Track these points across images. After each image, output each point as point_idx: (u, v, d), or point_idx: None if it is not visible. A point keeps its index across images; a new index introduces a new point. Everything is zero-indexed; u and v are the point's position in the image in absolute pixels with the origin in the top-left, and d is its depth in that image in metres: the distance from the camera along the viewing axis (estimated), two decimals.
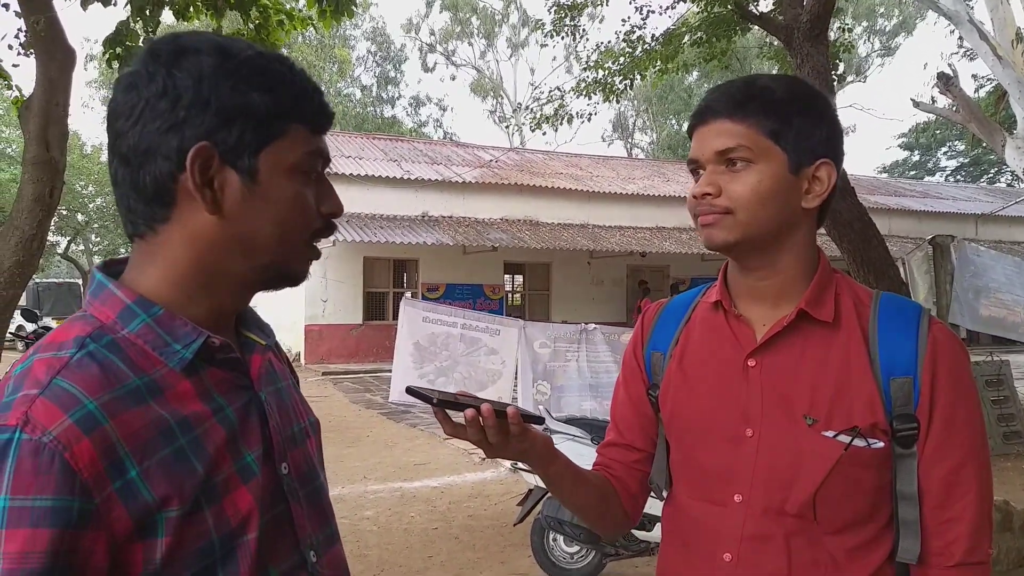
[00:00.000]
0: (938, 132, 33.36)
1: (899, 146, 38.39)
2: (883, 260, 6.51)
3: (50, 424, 0.68)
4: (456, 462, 7.62)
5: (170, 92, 0.77)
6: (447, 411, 1.01)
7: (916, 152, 38.44)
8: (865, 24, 33.47)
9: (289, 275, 0.88)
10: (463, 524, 5.53)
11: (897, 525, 1.07)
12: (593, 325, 7.96)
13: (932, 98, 13.39)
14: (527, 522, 4.55)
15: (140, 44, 4.67)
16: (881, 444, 1.04)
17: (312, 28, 6.67)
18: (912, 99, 14.12)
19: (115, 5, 4.55)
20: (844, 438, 1.03)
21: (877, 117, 72.79)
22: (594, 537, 4.12)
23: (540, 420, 1.07)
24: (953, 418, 1.04)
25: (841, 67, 9.27)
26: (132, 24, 4.56)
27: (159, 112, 0.77)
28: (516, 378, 7.73)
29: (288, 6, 6.71)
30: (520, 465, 4.74)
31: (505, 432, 1.02)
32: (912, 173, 37.21)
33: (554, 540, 4.39)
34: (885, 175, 35.79)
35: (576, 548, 4.34)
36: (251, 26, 6.23)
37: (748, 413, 1.09)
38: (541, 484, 4.53)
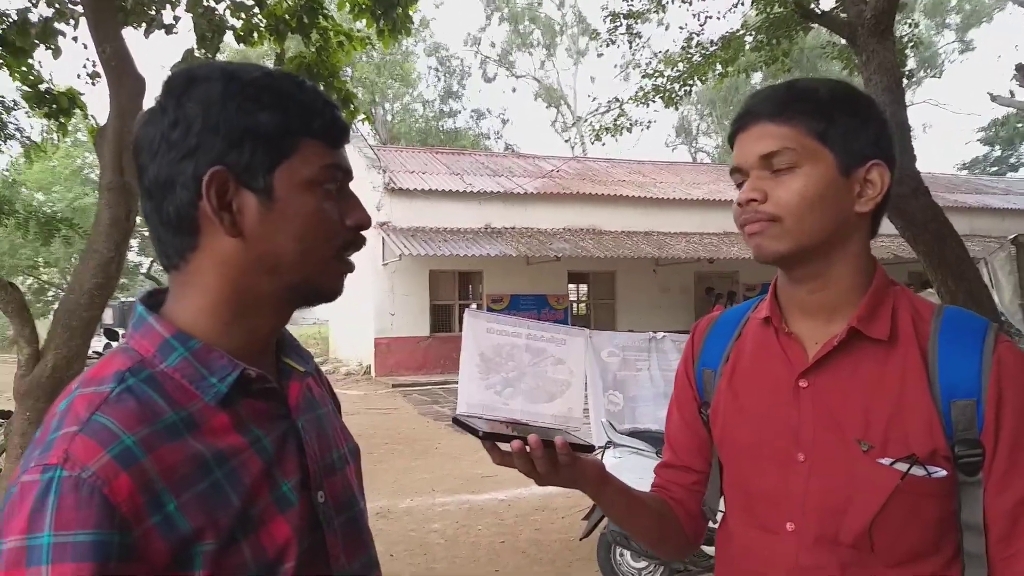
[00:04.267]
0: (1020, 125, 31.80)
1: (979, 141, 36.72)
2: (961, 261, 6.21)
3: (89, 460, 0.69)
4: (523, 475, 7.59)
5: (181, 122, 0.79)
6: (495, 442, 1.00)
7: (997, 147, 36.69)
8: (937, 18, 32.21)
9: (321, 291, 0.87)
10: (530, 538, 5.50)
11: (963, 558, 0.99)
12: (662, 333, 7.83)
13: (1011, 91, 12.78)
14: (593, 537, 4.49)
15: None
16: (943, 473, 0.97)
17: (372, 47, 6.78)
18: (989, 93, 13.52)
19: (176, 33, 4.71)
20: (901, 466, 0.96)
21: (953, 112, 69.82)
22: None
23: (591, 448, 1.05)
24: (1021, 443, 0.96)
25: (912, 63, 8.92)
26: (196, 52, 4.73)
27: (173, 143, 0.79)
28: (586, 388, 7.66)
29: (347, 27, 6.86)
30: None
31: (554, 462, 1.00)
32: (993, 169, 35.51)
33: (621, 555, 4.31)
34: (965, 172, 34.29)
35: (644, 564, 4.26)
36: (312, 49, 6.40)
37: (799, 437, 1.03)
38: None
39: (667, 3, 8.91)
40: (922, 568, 0.99)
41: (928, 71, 31.83)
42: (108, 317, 18.26)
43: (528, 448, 0.98)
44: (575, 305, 19.51)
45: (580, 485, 1.07)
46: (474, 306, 16.91)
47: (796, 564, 1.02)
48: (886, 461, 0.97)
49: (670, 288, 19.21)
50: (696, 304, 19.19)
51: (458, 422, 0.99)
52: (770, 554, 1.05)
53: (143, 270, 29.01)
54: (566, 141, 38.27)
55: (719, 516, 1.21)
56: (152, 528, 0.70)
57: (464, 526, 5.84)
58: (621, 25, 9.20)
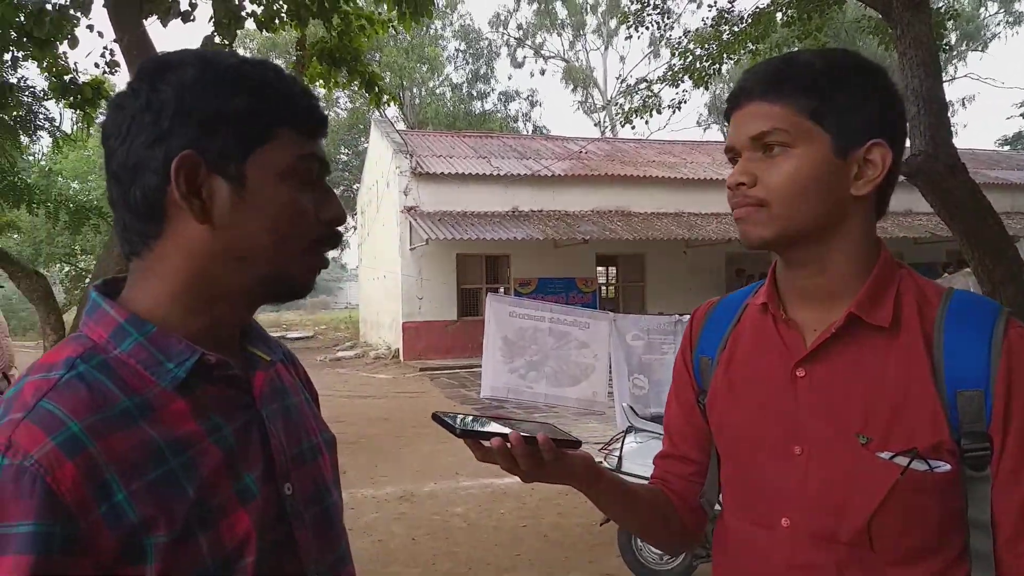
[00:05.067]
0: None
1: (1021, 116, 35.62)
2: (1000, 239, 6.02)
3: (32, 448, 0.67)
4: None
5: (153, 105, 0.77)
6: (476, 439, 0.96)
7: None
8: None
9: (291, 285, 0.85)
10: (552, 522, 5.49)
11: (970, 556, 0.93)
12: (688, 316, 7.75)
13: None
14: (611, 524, 4.46)
15: None
16: (947, 467, 0.91)
17: (394, 30, 6.75)
18: None
19: (194, 21, 4.72)
20: (902, 460, 0.91)
21: (995, 86, 67.74)
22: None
23: (577, 443, 1.00)
24: None
25: (953, 37, 8.63)
26: (217, 39, 4.73)
27: (144, 126, 0.77)
28: (610, 372, 7.60)
29: (368, 11, 6.82)
30: (604, 463, 4.65)
31: (538, 459, 0.95)
32: None
33: (642, 541, 4.28)
34: (1007, 148, 33.34)
35: None
36: (334, 34, 6.38)
37: (796, 429, 0.98)
38: None
39: None
40: (925, 567, 0.94)
41: (971, 45, 30.89)
42: None
43: (510, 446, 0.93)
44: (604, 288, 19.40)
45: (568, 481, 1.03)
46: (501, 290, 16.89)
47: (791, 562, 0.98)
48: (886, 455, 0.92)
49: (701, 270, 18.99)
50: (727, 285, 18.96)
51: (436, 419, 0.95)
52: (764, 551, 1.01)
53: None
54: (596, 124, 37.97)
55: (717, 508, 1.16)
56: (99, 519, 0.67)
57: (487, 510, 5.85)
58: (648, 4, 9.03)
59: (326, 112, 0.87)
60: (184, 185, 0.76)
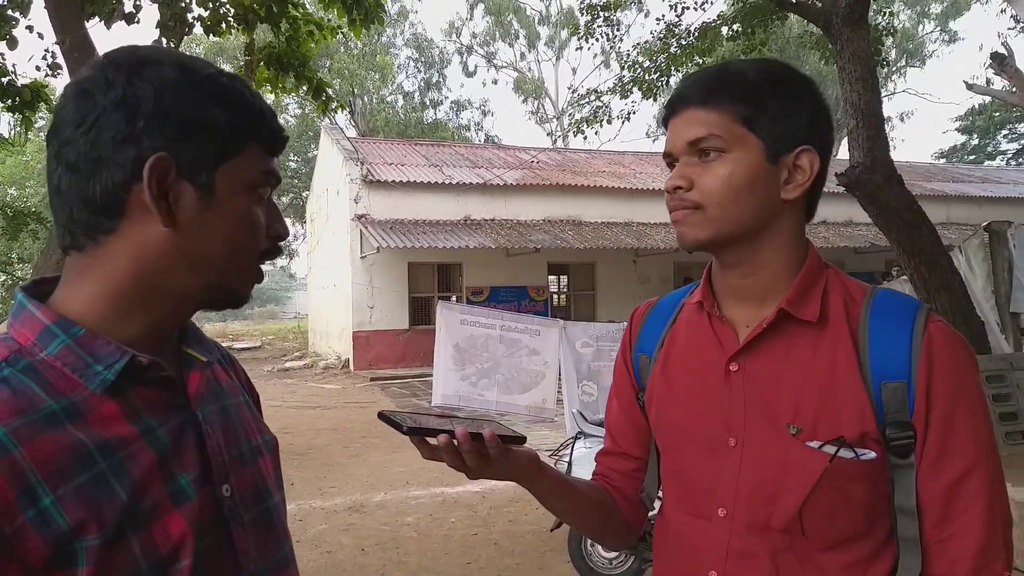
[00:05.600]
0: (996, 114, 32.11)
1: (956, 130, 37.03)
2: (933, 249, 6.25)
3: None
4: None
5: (129, 101, 0.76)
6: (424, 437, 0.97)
7: (974, 136, 37.03)
8: (917, 8, 32.42)
9: (233, 294, 0.86)
10: (503, 530, 5.48)
11: (897, 541, 0.98)
12: None
13: (987, 80, 12.88)
14: (565, 527, 4.48)
15: None
16: (873, 455, 0.95)
17: (344, 37, 6.72)
18: (966, 81, 13.61)
19: (139, 22, 4.63)
20: (830, 449, 0.95)
21: (932, 101, 70.20)
22: (633, 543, 4.03)
23: (522, 439, 1.02)
24: (952, 424, 0.94)
25: (892, 53, 8.96)
26: (163, 42, 4.64)
27: (115, 121, 0.76)
28: (560, 379, 7.65)
29: (318, 16, 6.78)
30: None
31: (484, 454, 0.97)
32: (971, 158, 35.83)
33: (592, 546, 4.30)
34: (943, 161, 34.60)
35: (614, 554, 4.25)
36: (282, 39, 6.32)
37: (731, 421, 1.02)
38: None
39: None
40: (855, 552, 0.97)
41: (910, 61, 32.04)
42: None
43: (456, 442, 0.94)
44: (555, 296, 19.51)
45: (513, 477, 1.04)
46: (453, 299, 16.86)
47: (728, 550, 1.01)
48: (815, 444, 0.96)
49: (650, 278, 19.24)
50: None
51: (383, 417, 0.96)
52: (703, 540, 1.03)
53: None
54: (548, 134, 38.26)
55: (657, 504, 1.18)
56: (26, 524, 0.66)
57: (438, 519, 5.82)
58: (599, 16, 9.16)
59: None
60: (155, 187, 0.76)
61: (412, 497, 6.48)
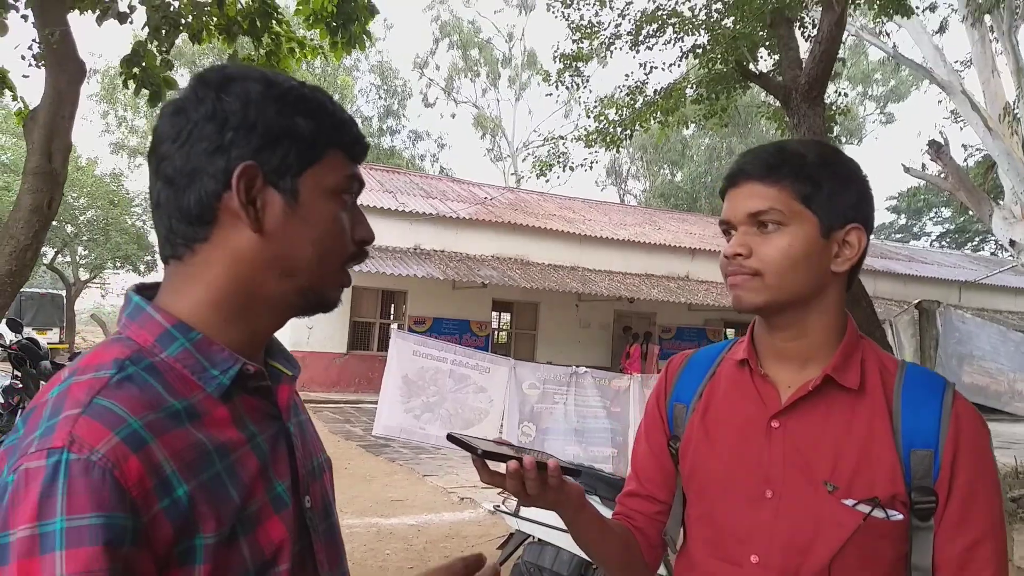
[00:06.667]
0: (926, 197, 33.92)
1: (887, 209, 38.94)
2: (870, 322, 6.56)
3: (97, 442, 0.67)
4: (434, 500, 7.52)
5: (218, 115, 0.80)
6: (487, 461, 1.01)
7: (904, 216, 38.99)
8: (860, 89, 34.21)
9: (323, 299, 0.89)
10: (439, 564, 5.43)
11: None
12: (584, 369, 7.94)
13: (923, 164, 13.66)
14: (506, 566, 4.47)
15: (157, 64, 4.71)
16: (900, 516, 1.03)
17: (324, 57, 6.74)
18: (903, 164, 14.38)
19: (131, 24, 4.59)
20: (864, 508, 1.03)
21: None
22: None
23: (578, 472, 1.07)
24: (973, 494, 1.03)
25: (836, 130, 9.45)
26: (149, 45, 4.60)
27: (206, 134, 0.80)
28: (503, 418, 7.67)
29: (300, 34, 6.79)
30: (503, 508, 4.68)
31: (544, 483, 1.02)
32: (899, 236, 37.68)
33: (606, 572, 4.29)
34: (872, 237, 36.13)
35: None
36: (262, 52, 6.30)
37: (769, 474, 1.09)
38: (523, 529, 4.44)
39: (614, 49, 9.18)
40: None
41: (850, 139, 33.67)
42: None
43: (523, 469, 0.99)
44: (497, 333, 19.58)
45: (561, 507, 1.09)
46: (395, 326, 16.75)
47: None
48: (850, 502, 1.03)
49: (590, 324, 19.52)
50: (614, 341, 19.55)
51: (452, 439, 1.00)
52: None
53: (45, 261, 27.63)
54: (502, 172, 38.64)
55: (678, 545, 1.24)
56: (160, 513, 0.69)
57: (372, 550, 5.73)
58: (571, 67, 9.40)
59: None
60: (243, 194, 0.80)
61: (347, 526, 6.36)
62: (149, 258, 27.68)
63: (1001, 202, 12.59)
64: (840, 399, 1.08)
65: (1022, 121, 11.94)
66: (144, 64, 4.59)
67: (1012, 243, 12.42)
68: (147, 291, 0.86)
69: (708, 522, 1.15)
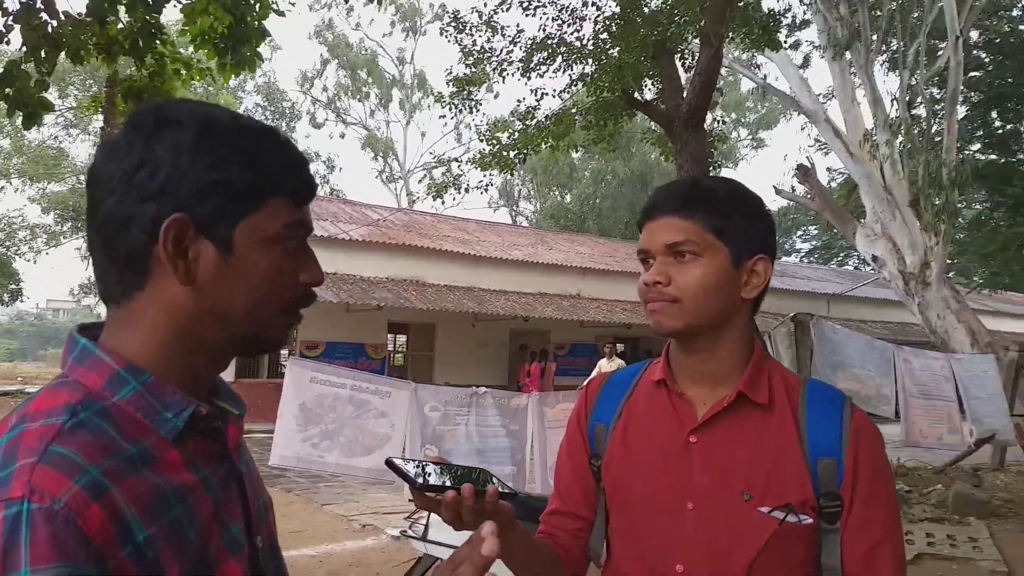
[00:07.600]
0: (795, 217, 36.08)
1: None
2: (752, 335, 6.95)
3: (57, 491, 0.66)
4: (334, 529, 7.36)
5: (148, 164, 0.78)
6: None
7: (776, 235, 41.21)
8: (734, 116, 36.21)
9: (265, 343, 0.88)
10: None
11: None
12: (484, 389, 7.96)
13: (792, 187, 14.61)
14: None
15: (31, 86, 4.46)
16: (810, 520, 1.13)
17: (212, 78, 6.56)
18: (774, 187, 15.34)
19: (8, 44, 4.34)
20: (778, 514, 1.12)
21: None
22: None
23: (514, 495, 1.08)
24: (873, 498, 1.14)
25: (715, 155, 10.01)
26: (23, 65, 4.35)
27: (136, 183, 0.78)
28: (406, 441, 7.60)
29: (187, 55, 6.59)
30: (410, 532, 4.65)
31: (482, 510, 1.02)
32: None
33: None
34: None
35: None
36: (144, 73, 6.08)
37: (689, 488, 1.16)
38: (432, 552, 4.43)
39: (506, 75, 9.37)
40: None
41: (725, 163, 35.51)
42: None
43: (462, 498, 1.00)
44: (393, 355, 19.36)
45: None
46: (285, 352, 16.26)
47: None
48: (765, 509, 1.13)
49: (488, 343, 19.61)
50: (511, 359, 19.71)
51: (391, 466, 1.00)
52: None
53: None
54: (394, 193, 38.39)
55: (602, 560, 1.31)
56: (125, 559, 0.68)
57: None
58: (463, 90, 9.53)
59: None
60: (171, 247, 0.77)
61: None
62: (14, 287, 25.75)
63: (863, 221, 13.63)
64: (752, 414, 1.18)
65: (880, 147, 12.98)
66: (19, 85, 4.34)
67: (874, 258, 13.46)
68: (90, 331, 0.84)
69: (633, 536, 1.22)
